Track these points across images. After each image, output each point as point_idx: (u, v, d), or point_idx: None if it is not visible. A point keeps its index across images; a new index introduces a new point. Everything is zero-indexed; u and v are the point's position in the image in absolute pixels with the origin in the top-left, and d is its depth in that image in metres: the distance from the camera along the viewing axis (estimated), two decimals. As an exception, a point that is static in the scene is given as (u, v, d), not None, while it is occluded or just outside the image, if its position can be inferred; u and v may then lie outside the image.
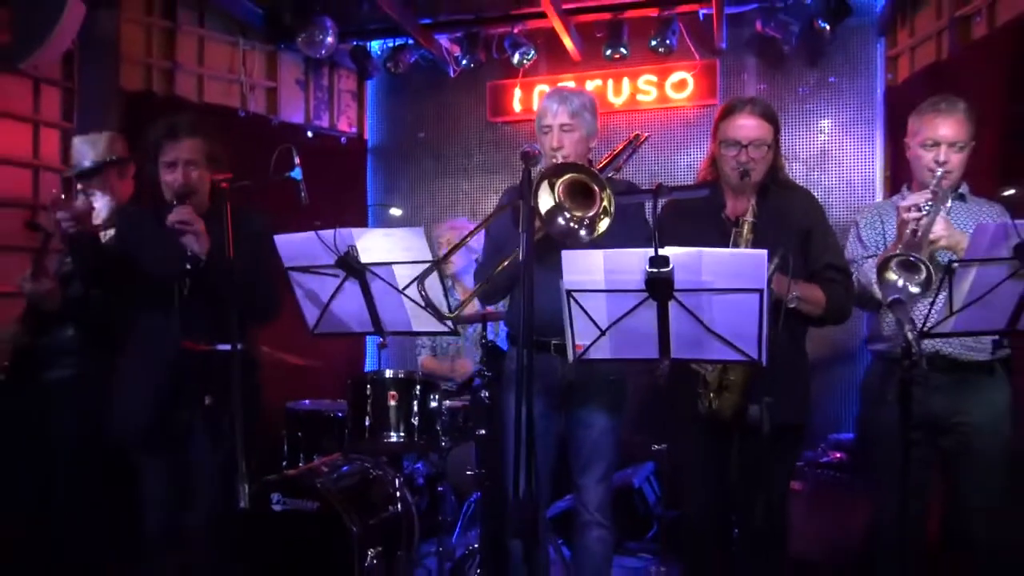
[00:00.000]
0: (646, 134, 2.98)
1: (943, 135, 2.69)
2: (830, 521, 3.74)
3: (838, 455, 4.04)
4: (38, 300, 3.14)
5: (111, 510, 3.14)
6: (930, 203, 2.55)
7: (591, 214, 2.24)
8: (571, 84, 5.23)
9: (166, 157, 2.82)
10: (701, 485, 2.72)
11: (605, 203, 2.22)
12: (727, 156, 2.65)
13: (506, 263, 2.54)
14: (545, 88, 5.36)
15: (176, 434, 2.79)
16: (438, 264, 2.34)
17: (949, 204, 2.70)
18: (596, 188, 2.22)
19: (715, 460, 2.58)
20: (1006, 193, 3.03)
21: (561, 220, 2.26)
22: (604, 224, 2.24)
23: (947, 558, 2.82)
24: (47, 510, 3.22)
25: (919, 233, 2.49)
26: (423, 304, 2.30)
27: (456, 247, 2.75)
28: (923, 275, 2.34)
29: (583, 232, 2.26)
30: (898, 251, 2.40)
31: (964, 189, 2.81)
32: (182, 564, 2.84)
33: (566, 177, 2.24)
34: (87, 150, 3.32)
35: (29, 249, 3.15)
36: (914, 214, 2.54)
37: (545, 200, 2.24)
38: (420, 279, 2.29)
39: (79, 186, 3.36)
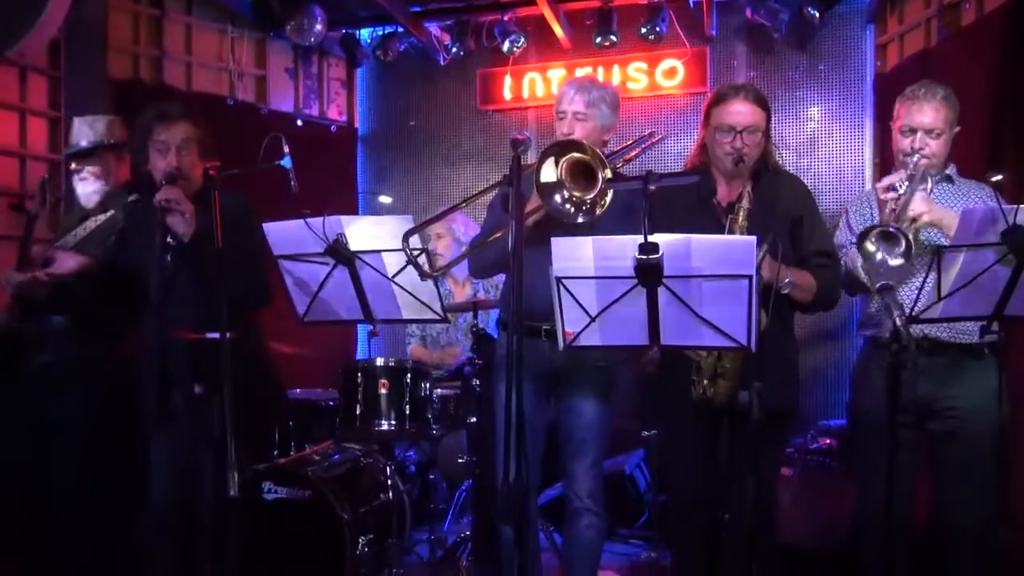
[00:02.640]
0: (661, 134, 2.98)
1: (919, 122, 2.71)
2: (819, 507, 3.75)
3: (827, 441, 4.05)
4: (25, 291, 3.13)
5: (116, 494, 3.13)
6: (906, 183, 2.56)
7: (589, 197, 2.23)
8: (570, 72, 5.24)
9: (158, 139, 2.82)
10: (689, 469, 2.72)
11: (604, 188, 2.21)
12: (722, 142, 2.64)
13: (499, 234, 2.54)
14: (535, 76, 5.36)
15: (170, 422, 2.79)
16: (425, 225, 2.31)
17: (929, 185, 2.71)
18: (599, 172, 2.21)
19: (704, 445, 2.59)
20: (993, 179, 3.04)
21: (558, 198, 2.25)
22: (600, 209, 2.23)
23: (932, 542, 2.84)
24: (49, 494, 3.20)
25: (897, 211, 2.51)
26: (407, 259, 2.28)
27: (436, 218, 2.71)
28: (903, 246, 2.36)
29: (577, 214, 2.25)
30: (876, 223, 2.42)
31: (951, 171, 2.83)
32: (176, 552, 2.85)
33: (571, 155, 2.23)
34: (85, 131, 3.29)
35: (17, 238, 3.14)
36: (891, 194, 2.56)
37: (548, 174, 2.23)
38: (407, 236, 2.27)
39: (73, 165, 3.34)
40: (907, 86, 2.83)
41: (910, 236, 2.36)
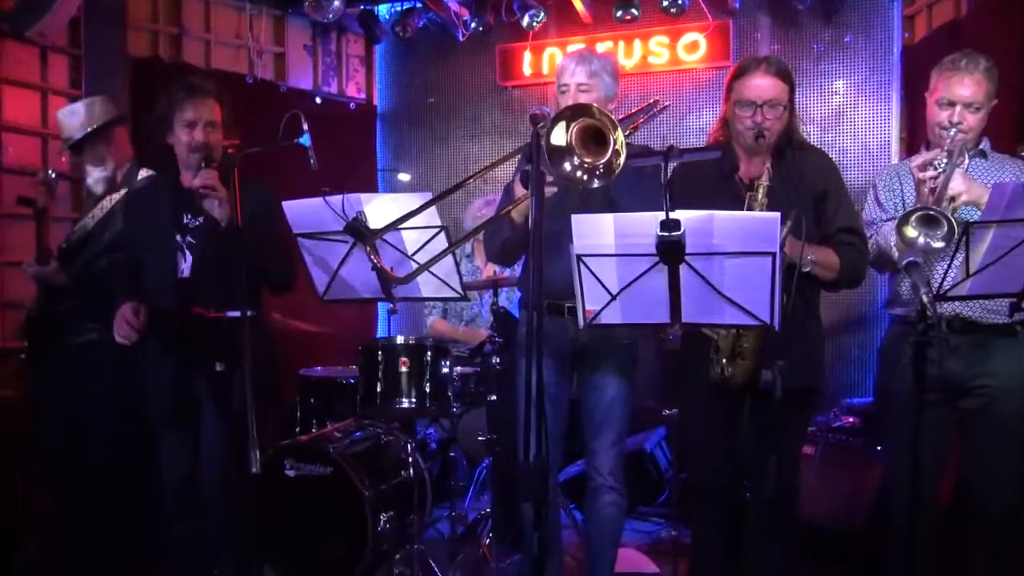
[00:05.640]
0: (666, 103, 2.93)
1: (959, 95, 2.63)
2: (842, 486, 3.73)
3: (851, 420, 4.02)
4: (44, 279, 3.19)
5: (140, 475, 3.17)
6: (944, 160, 2.50)
7: (600, 162, 2.20)
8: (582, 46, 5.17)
9: (185, 116, 2.81)
10: (709, 449, 2.70)
11: (618, 148, 2.17)
12: (741, 117, 2.59)
13: (511, 208, 2.52)
14: (555, 51, 5.29)
15: (190, 401, 2.81)
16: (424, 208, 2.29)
17: (967, 161, 2.65)
18: (610, 135, 2.18)
19: (725, 424, 2.57)
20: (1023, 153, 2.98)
21: (568, 165, 2.22)
22: (618, 169, 2.19)
23: (958, 519, 2.82)
24: (82, 473, 3.25)
25: (937, 191, 2.45)
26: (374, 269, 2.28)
27: (443, 195, 2.66)
28: (944, 229, 2.30)
29: (588, 179, 2.21)
30: (917, 206, 2.36)
31: (985, 146, 2.76)
32: (197, 530, 2.87)
33: (582, 120, 2.20)
34: (69, 123, 3.31)
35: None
36: (930, 172, 2.50)
37: (558, 138, 2.20)
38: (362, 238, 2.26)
39: (73, 158, 3.38)
40: (935, 58, 2.76)
41: (952, 219, 2.30)
